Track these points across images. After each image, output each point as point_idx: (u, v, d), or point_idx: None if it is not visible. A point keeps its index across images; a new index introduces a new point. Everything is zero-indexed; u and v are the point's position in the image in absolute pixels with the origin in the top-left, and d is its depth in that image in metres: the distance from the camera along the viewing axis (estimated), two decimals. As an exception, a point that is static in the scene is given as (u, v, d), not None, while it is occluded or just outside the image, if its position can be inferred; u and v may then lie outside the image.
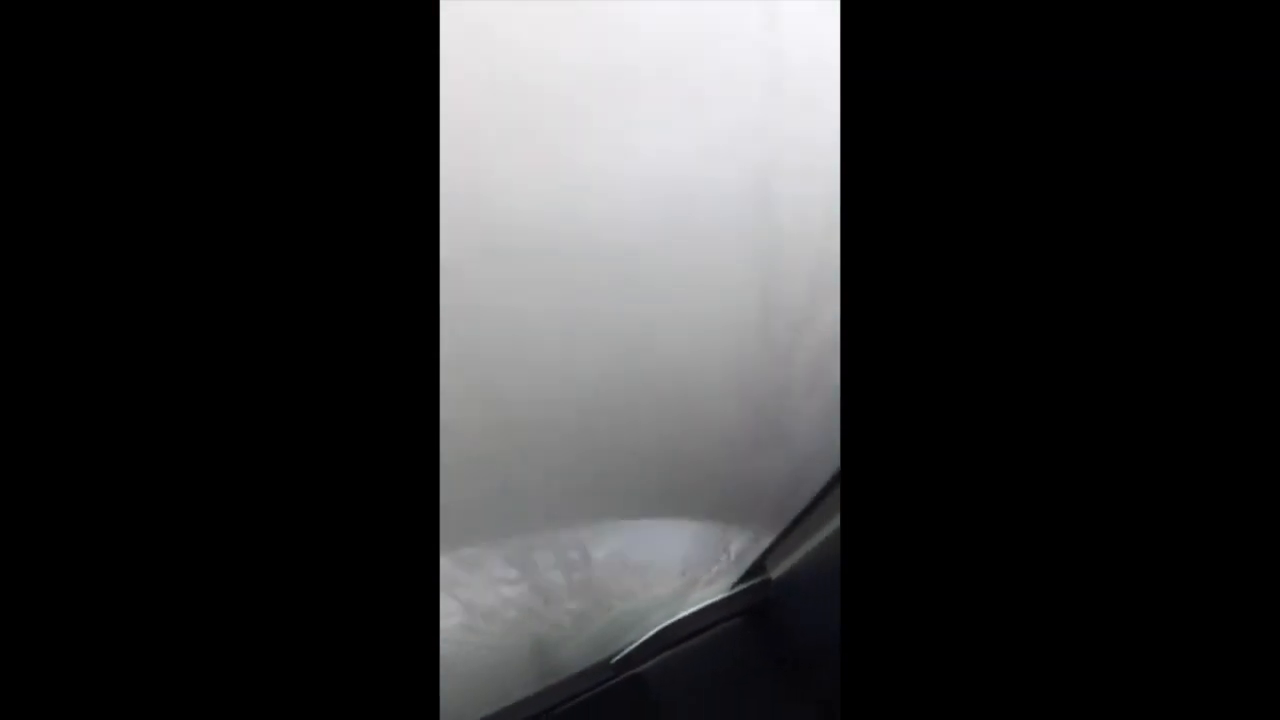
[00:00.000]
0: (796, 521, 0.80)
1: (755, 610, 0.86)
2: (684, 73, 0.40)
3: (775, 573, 0.86)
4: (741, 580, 0.87)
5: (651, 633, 0.80)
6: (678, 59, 0.39)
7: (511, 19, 0.33)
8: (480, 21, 0.32)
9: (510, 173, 0.51)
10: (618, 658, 0.79)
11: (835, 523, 0.74)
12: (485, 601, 0.77)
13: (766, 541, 0.85)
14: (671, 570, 0.85)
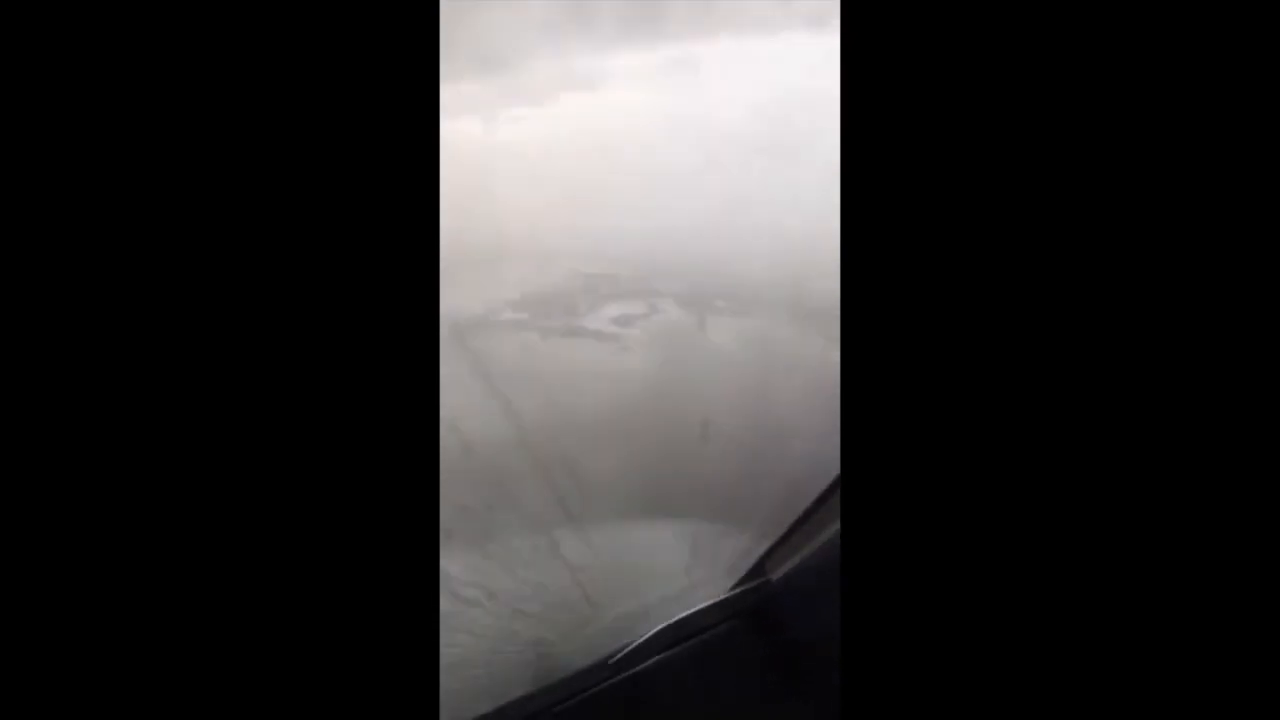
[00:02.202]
0: (796, 525, 0.81)
1: (754, 612, 0.86)
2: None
3: (775, 575, 0.87)
4: (741, 582, 0.88)
5: (650, 633, 0.80)
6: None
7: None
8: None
9: (516, 186, 0.51)
10: (616, 658, 0.79)
11: (835, 526, 0.75)
12: (483, 601, 0.77)
13: (766, 544, 0.85)
14: (671, 572, 0.86)
